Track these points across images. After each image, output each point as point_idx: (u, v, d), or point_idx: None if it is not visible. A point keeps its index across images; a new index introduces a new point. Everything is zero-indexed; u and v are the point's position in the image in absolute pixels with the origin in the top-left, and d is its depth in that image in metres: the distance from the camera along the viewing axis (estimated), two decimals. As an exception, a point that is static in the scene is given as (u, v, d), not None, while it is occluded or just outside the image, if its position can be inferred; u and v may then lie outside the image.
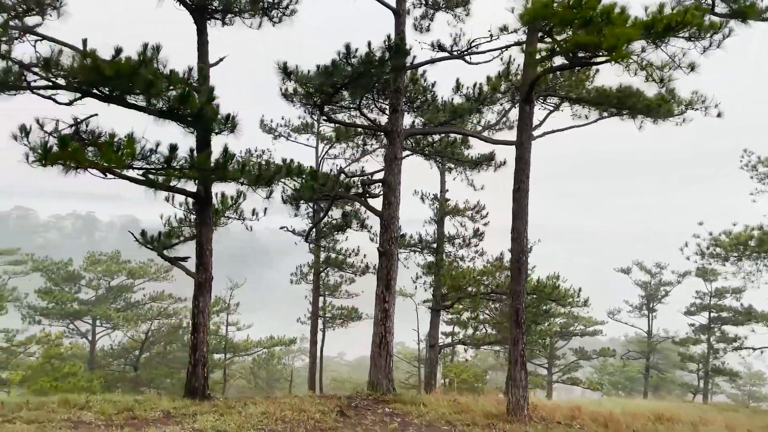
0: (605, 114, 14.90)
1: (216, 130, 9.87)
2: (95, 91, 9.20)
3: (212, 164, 9.31)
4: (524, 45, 13.32)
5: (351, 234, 25.32)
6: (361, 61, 10.69)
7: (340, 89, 11.01)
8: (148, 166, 9.10)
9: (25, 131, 7.99)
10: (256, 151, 22.74)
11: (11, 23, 8.76)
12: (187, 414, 8.74)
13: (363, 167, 23.16)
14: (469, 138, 19.20)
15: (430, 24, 15.02)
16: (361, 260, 25.74)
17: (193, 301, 11.24)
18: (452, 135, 16.76)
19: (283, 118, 25.98)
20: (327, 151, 25.52)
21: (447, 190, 25.35)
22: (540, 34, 10.41)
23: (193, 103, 9.02)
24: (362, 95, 12.42)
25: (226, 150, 9.21)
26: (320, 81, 10.42)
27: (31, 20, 9.55)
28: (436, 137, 18.24)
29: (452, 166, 23.44)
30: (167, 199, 12.69)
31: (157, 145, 8.96)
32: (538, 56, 10.48)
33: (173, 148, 8.86)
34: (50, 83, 9.09)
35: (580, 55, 9.27)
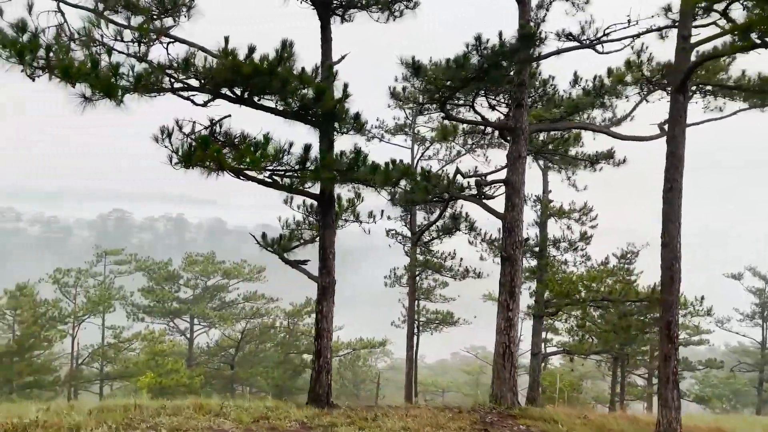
0: (745, 105, 13.44)
1: (343, 130, 9.47)
2: (227, 92, 9.05)
3: (344, 165, 8.90)
4: (664, 31, 12.20)
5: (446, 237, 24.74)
6: (492, 52, 9.98)
7: (467, 84, 10.35)
8: (280, 168, 8.81)
9: (167, 133, 7.88)
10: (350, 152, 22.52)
11: (144, 25, 8.69)
12: (323, 425, 8.36)
13: (457, 167, 22.39)
14: (582, 134, 18.06)
15: (546, 14, 14.09)
16: (458, 263, 24.96)
17: (317, 306, 10.93)
18: (565, 131, 15.72)
19: (377, 119, 25.68)
20: (424, 152, 24.96)
21: (550, 191, 24.15)
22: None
23: (327, 101, 8.64)
24: (485, 90, 11.71)
25: (358, 151, 8.78)
26: (449, 75, 9.80)
27: (158, 22, 9.52)
28: (542, 134, 17.25)
29: (551, 165, 22.26)
30: (286, 202, 12.50)
31: (290, 145, 8.64)
32: (693, 41, 9.37)
33: (307, 149, 8.51)
34: (184, 85, 9.01)
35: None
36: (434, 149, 25.88)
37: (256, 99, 9.17)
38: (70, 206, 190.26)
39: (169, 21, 9.18)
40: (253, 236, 11.96)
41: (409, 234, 25.82)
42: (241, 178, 9.12)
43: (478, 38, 9.87)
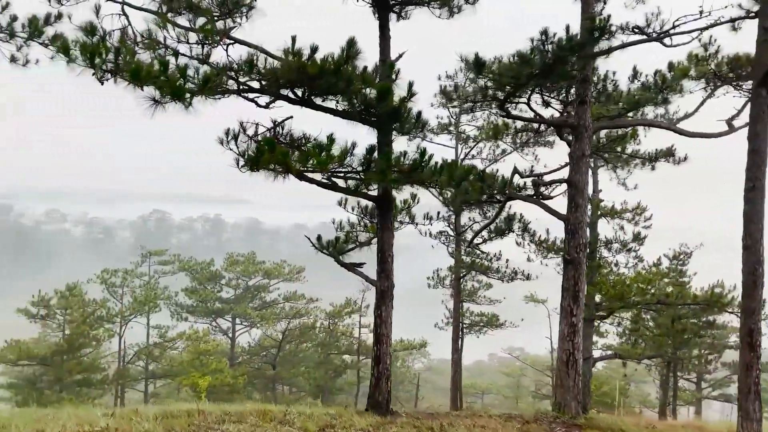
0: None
1: (404, 130, 9.19)
2: (287, 93, 8.88)
3: (407, 165, 8.62)
4: (737, 22, 11.56)
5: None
6: (558, 47, 9.56)
7: (531, 80, 9.96)
8: (341, 170, 8.59)
9: (233, 135, 7.74)
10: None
11: (207, 27, 8.58)
12: (390, 435, 8.10)
13: (515, 166, 21.87)
14: (638, 131, 17.40)
15: (603, 8, 13.57)
16: (505, 265, 24.43)
17: (375, 310, 10.68)
18: (625, 129, 15.13)
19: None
20: (469, 152, 24.52)
21: (600, 190, 23.41)
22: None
23: (390, 102, 8.38)
24: (540, 87, 11.29)
25: (423, 151, 8.48)
26: (515, 72, 9.42)
27: (220, 24, 9.41)
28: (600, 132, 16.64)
29: (603, 163, 21.57)
30: (340, 204, 12.33)
31: (353, 146, 8.41)
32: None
33: (371, 150, 8.26)
34: (245, 86, 8.88)
35: None
36: (478, 148, 25.43)
37: (318, 100, 8.99)
38: (112, 207, 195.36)
39: (229, 22, 9.05)
40: (308, 239, 11.79)
41: (452, 234, 25.44)
42: (301, 180, 8.95)
43: (544, 32, 9.47)
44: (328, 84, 7.94)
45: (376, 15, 10.65)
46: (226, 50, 9.29)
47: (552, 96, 13.35)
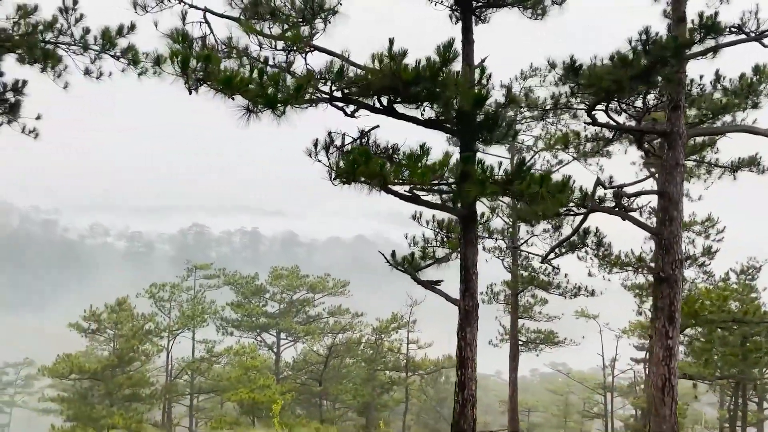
0: None
1: (496, 139, 8.57)
2: (373, 101, 8.39)
3: (504, 177, 7.99)
4: None
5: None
6: (661, 48, 8.83)
7: (630, 84, 9.23)
8: (436, 181, 8.01)
9: (324, 146, 7.24)
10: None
11: (293, 33, 8.15)
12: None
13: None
14: (716, 139, 16.41)
15: (686, 5, 12.77)
16: (565, 280, 23.43)
17: (459, 332, 10.01)
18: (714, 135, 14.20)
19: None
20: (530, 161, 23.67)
21: (649, 201, 22.29)
22: None
23: (484, 109, 7.79)
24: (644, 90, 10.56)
25: (522, 161, 7.84)
26: (615, 75, 8.72)
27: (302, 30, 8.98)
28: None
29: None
30: (414, 218, 11.78)
31: (449, 156, 7.82)
32: None
33: (467, 160, 7.66)
34: (326, 95, 8.42)
35: None
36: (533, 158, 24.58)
37: (400, 107, 8.47)
38: (153, 221, 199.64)
39: (310, 28, 8.62)
40: (383, 254, 11.22)
41: (505, 248, 24.62)
42: (381, 192, 8.42)
43: (645, 32, 8.76)
44: (424, 90, 7.39)
45: (454, 20, 10.14)
46: (305, 58, 8.89)
47: (627, 102, 12.61)
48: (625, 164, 22.05)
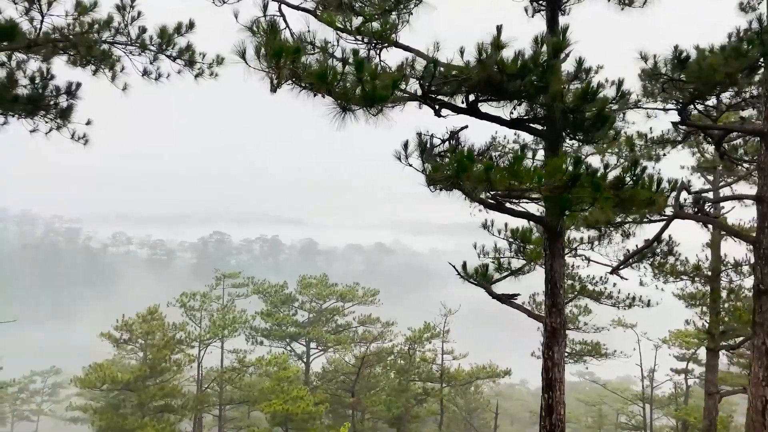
0: None
1: (600, 137, 7.79)
2: (461, 99, 7.66)
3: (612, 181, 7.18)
4: None
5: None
6: (775, 38, 7.97)
7: (740, 76, 8.39)
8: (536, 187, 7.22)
9: (420, 148, 6.51)
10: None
11: (373, 25, 7.45)
12: None
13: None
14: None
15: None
16: (617, 290, 22.38)
17: (545, 351, 9.21)
18: None
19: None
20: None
21: (722, 207, 21.21)
22: None
23: (590, 107, 7.01)
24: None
25: (635, 162, 7.02)
26: (729, 67, 7.88)
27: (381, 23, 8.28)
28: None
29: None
30: (485, 227, 11.01)
31: (561, 159, 7.05)
32: None
33: (578, 162, 6.87)
34: (405, 94, 7.71)
35: None
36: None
37: (490, 106, 7.74)
38: (174, 230, 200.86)
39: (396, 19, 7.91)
40: (453, 266, 10.48)
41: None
42: (473, 200, 7.67)
43: (758, 19, 7.91)
44: (525, 85, 6.63)
45: (530, 12, 9.40)
46: (378, 54, 8.20)
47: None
48: (674, 168, 21.05)
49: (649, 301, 20.25)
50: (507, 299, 9.85)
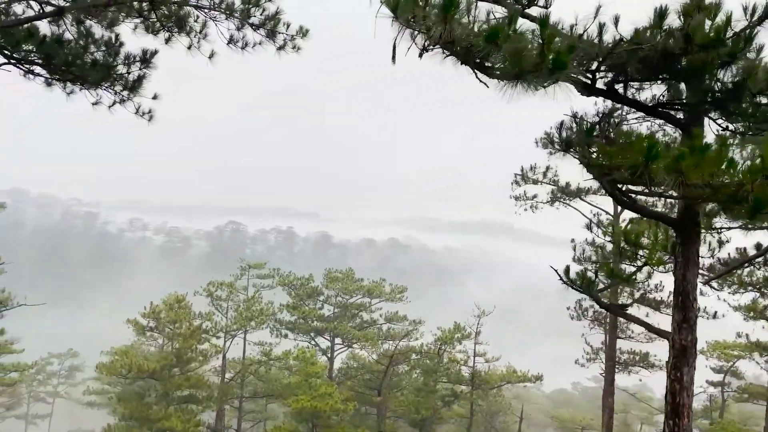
0: None
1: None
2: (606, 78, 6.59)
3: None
4: None
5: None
6: None
7: None
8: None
9: (583, 130, 5.45)
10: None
11: None
12: None
13: None
14: None
15: None
16: (667, 296, 21.25)
17: (672, 371, 8.11)
18: None
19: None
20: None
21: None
22: None
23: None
24: None
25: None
26: None
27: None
28: None
29: None
30: (588, 227, 9.94)
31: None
32: None
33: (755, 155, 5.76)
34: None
35: None
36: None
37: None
38: (190, 218, 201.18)
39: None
40: (555, 270, 9.39)
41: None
42: (613, 195, 6.61)
43: None
44: (712, 58, 5.54)
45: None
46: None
47: None
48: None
49: (715, 313, 19.05)
50: (621, 311, 8.81)
